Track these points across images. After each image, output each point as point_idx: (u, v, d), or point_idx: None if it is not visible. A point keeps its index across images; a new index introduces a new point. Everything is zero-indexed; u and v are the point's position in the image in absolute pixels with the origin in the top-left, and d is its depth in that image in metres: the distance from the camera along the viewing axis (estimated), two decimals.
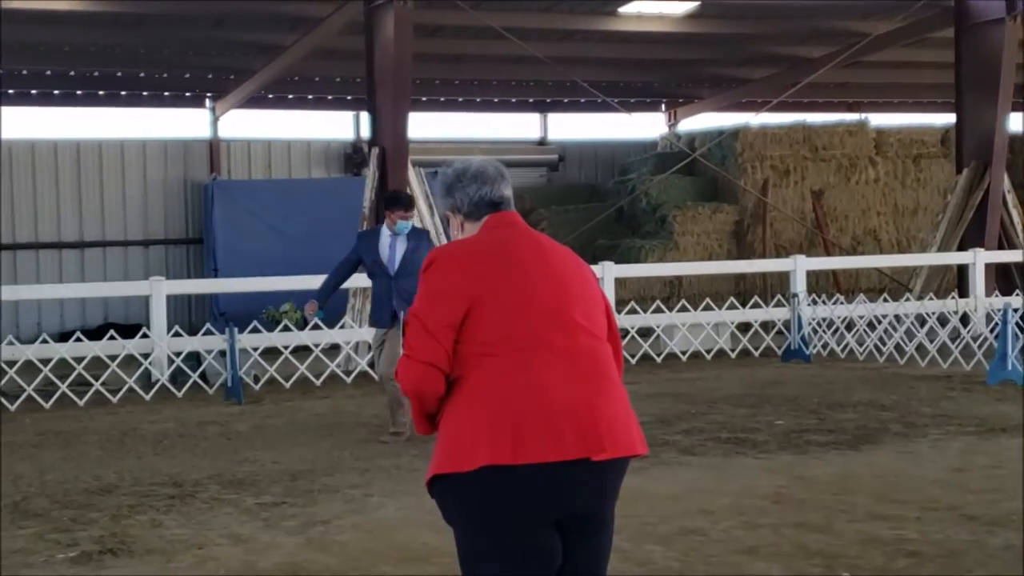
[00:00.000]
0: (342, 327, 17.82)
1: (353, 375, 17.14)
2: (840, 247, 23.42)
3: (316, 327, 18.16)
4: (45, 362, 15.43)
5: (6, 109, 22.02)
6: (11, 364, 15.23)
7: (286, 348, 16.76)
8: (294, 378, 16.51)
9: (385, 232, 11.78)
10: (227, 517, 8.44)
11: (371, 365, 14.98)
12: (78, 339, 15.98)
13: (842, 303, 19.56)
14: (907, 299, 19.13)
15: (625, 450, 3.65)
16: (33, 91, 22.64)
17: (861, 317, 18.88)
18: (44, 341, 16.38)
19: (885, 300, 19.29)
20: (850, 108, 27.98)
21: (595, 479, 3.61)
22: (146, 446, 11.62)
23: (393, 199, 12.05)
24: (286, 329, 17.38)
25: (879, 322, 18.54)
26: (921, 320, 17.83)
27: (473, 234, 3.88)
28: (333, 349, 17.05)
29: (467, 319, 3.58)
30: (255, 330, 16.70)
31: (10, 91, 21.97)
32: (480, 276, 3.62)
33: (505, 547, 3.54)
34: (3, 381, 14.94)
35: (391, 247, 11.68)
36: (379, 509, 8.58)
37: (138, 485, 9.57)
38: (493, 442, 3.46)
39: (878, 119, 26.03)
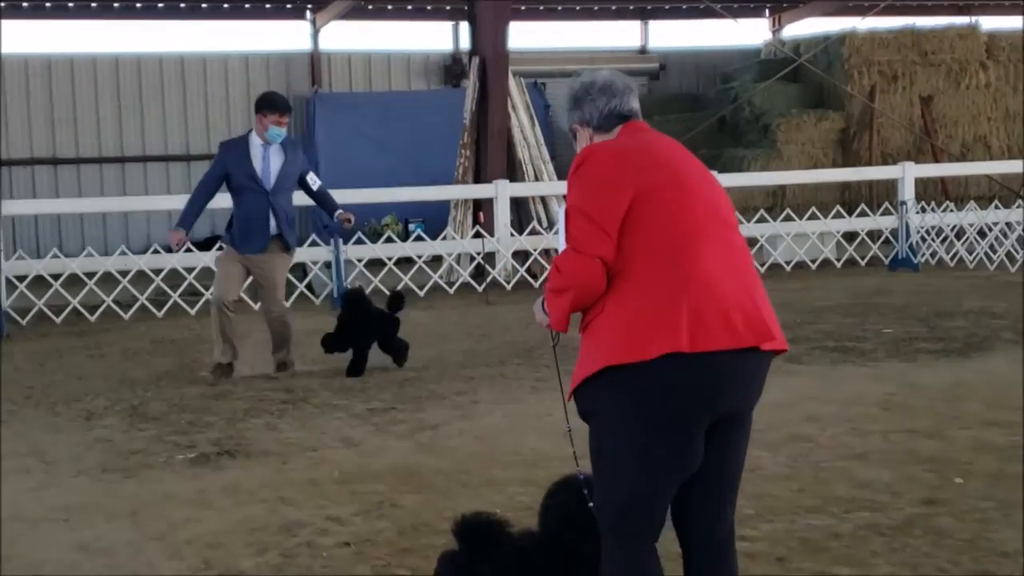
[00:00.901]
0: (444, 239, 17.92)
1: (455, 286, 17.25)
2: (949, 154, 22.87)
3: (419, 238, 18.33)
4: (157, 272, 15.76)
5: (118, 23, 22.38)
6: (123, 274, 15.57)
7: (389, 259, 16.90)
8: (398, 289, 16.66)
9: (256, 141, 10.09)
10: (338, 421, 8.60)
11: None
12: (188, 250, 16.22)
13: (951, 211, 19.17)
14: (1018, 206, 18.66)
15: (782, 343, 3.66)
16: (138, 4, 22.81)
17: (971, 225, 18.52)
18: (155, 252, 16.70)
19: (996, 207, 18.88)
20: (960, 11, 27.13)
21: (760, 369, 3.62)
22: None
23: (267, 101, 10.15)
24: (389, 241, 17.50)
25: (989, 230, 18.17)
26: None
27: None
28: (435, 261, 17.15)
29: (629, 212, 3.52)
30: (359, 242, 16.85)
31: (115, 5, 22.19)
32: (639, 170, 3.57)
33: (660, 440, 3.51)
34: (117, 291, 15.28)
35: (264, 158, 10.08)
36: (486, 416, 8.68)
37: (251, 390, 9.78)
38: (670, 330, 3.42)
39: (989, 22, 25.22)
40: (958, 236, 18.21)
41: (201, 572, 5.34)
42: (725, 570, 3.74)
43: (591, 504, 3.87)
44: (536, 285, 17.57)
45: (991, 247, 17.91)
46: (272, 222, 10.04)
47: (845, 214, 19.35)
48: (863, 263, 18.08)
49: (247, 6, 23.41)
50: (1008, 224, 18.08)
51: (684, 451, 3.53)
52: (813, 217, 18.31)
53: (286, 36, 23.93)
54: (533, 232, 18.06)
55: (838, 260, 18.24)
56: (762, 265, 17.41)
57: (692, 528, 3.71)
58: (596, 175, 3.58)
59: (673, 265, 3.48)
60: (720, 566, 3.73)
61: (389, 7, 24.17)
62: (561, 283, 3.67)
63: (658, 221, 3.50)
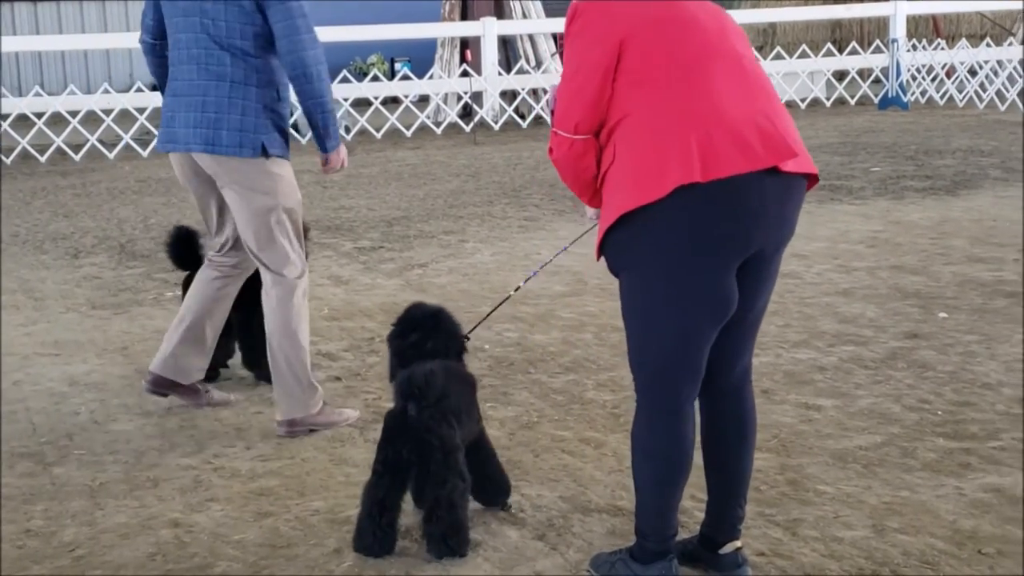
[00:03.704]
0: (431, 78, 17.73)
1: (443, 126, 17.14)
2: None
3: (406, 78, 18.13)
4: (141, 111, 15.60)
5: None
6: (107, 113, 15.41)
7: (376, 99, 16.74)
8: (384, 129, 16.55)
9: None
10: (327, 260, 8.61)
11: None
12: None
13: (943, 49, 18.98)
14: (1010, 44, 18.50)
15: (808, 165, 3.36)
16: None
17: (962, 63, 18.36)
18: (139, 90, 16.51)
19: (987, 46, 18.69)
20: None
21: (789, 195, 3.32)
22: None
23: None
24: (375, 80, 17.30)
25: (980, 68, 18.03)
26: None
27: None
28: (422, 101, 17.00)
29: (623, 55, 3.27)
30: (344, 80, 16.66)
31: None
32: (630, 12, 3.30)
33: (684, 291, 3.26)
34: (101, 130, 15.15)
35: None
36: (474, 254, 8.70)
37: None
38: (681, 162, 3.18)
39: None
40: (949, 74, 18.05)
41: (191, 404, 5.39)
42: (741, 410, 3.55)
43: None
44: (524, 125, 17.45)
45: (982, 85, 17.78)
46: None
47: (836, 52, 19.16)
48: (853, 102, 18.00)
49: None
50: (999, 62, 17.92)
51: (715, 294, 3.29)
52: (803, 55, 18.13)
53: None
54: (521, 71, 17.86)
55: (828, 99, 18.12)
56: None
57: (708, 369, 3.46)
58: (581, 32, 3.35)
59: (677, 96, 3.26)
60: (737, 406, 3.55)
61: None
62: (556, 164, 3.49)
63: (657, 55, 3.27)
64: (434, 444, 3.70)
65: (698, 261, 3.24)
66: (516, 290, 4.29)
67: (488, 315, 4.31)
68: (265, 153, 4.83)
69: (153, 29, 5.08)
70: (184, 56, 4.92)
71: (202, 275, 5.29)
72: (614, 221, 3.29)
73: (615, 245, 3.34)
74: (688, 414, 3.42)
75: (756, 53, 17.99)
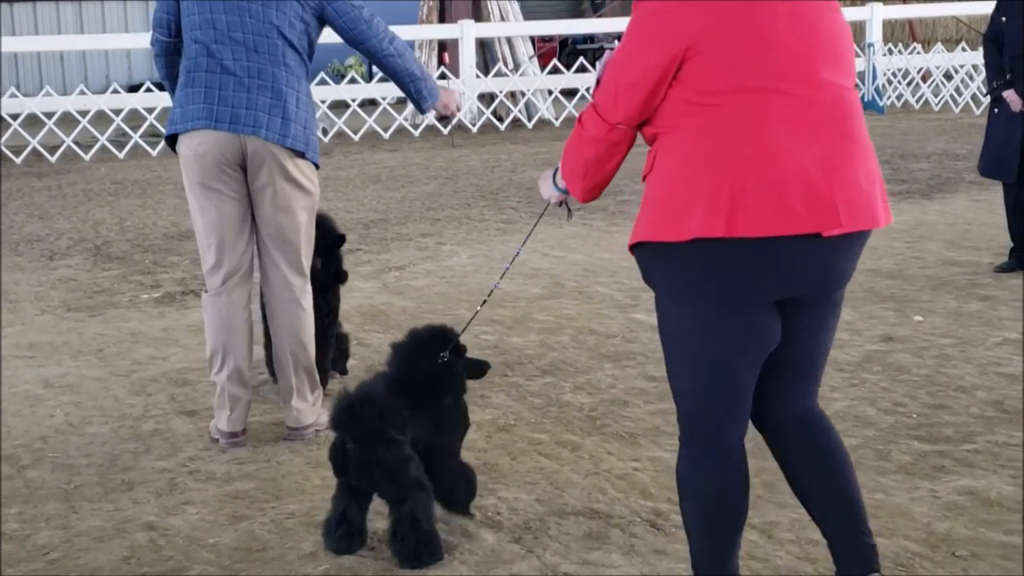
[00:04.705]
0: None
1: (420, 128, 17.12)
2: None
3: (383, 80, 18.09)
4: (117, 112, 15.54)
5: None
6: (83, 114, 15.35)
7: (353, 101, 16.72)
8: (362, 131, 16.53)
9: None
10: None
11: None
12: (148, 90, 15.97)
13: (918, 53, 19.07)
14: None
15: (865, 222, 2.96)
16: None
17: (937, 67, 18.45)
18: (115, 92, 16.44)
19: (963, 50, 18.79)
20: None
21: (826, 257, 2.96)
22: None
23: None
24: (353, 82, 17.28)
25: (956, 72, 18.13)
26: None
27: None
28: (400, 103, 16.98)
29: (685, 64, 2.92)
30: (322, 82, 16.63)
31: None
32: (704, 10, 2.92)
33: (712, 324, 2.99)
34: (76, 131, 15.08)
35: None
36: (451, 257, 8.69)
37: None
38: (708, 210, 2.86)
39: None
40: (924, 79, 18.14)
41: (167, 407, 5.38)
42: (810, 438, 3.23)
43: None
44: (502, 128, 17.46)
45: (956, 90, 17.87)
46: None
47: None
48: None
49: None
50: (974, 66, 18.00)
51: (744, 331, 3.00)
52: None
53: None
54: (499, 74, 17.87)
55: None
56: None
57: (765, 415, 3.21)
58: (655, 14, 2.96)
59: (725, 129, 2.90)
60: (802, 436, 3.24)
61: None
62: (575, 139, 3.19)
63: (718, 75, 2.90)
64: (377, 474, 3.68)
65: (721, 302, 2.98)
66: (489, 295, 4.25)
67: (468, 323, 4.30)
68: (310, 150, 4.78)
69: (171, 25, 4.83)
70: (227, 38, 4.65)
71: (231, 313, 4.85)
72: (636, 242, 3.07)
73: (641, 260, 3.12)
74: (733, 452, 3.15)
75: None
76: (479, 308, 4.24)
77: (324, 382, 5.36)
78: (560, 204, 3.44)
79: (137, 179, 13.19)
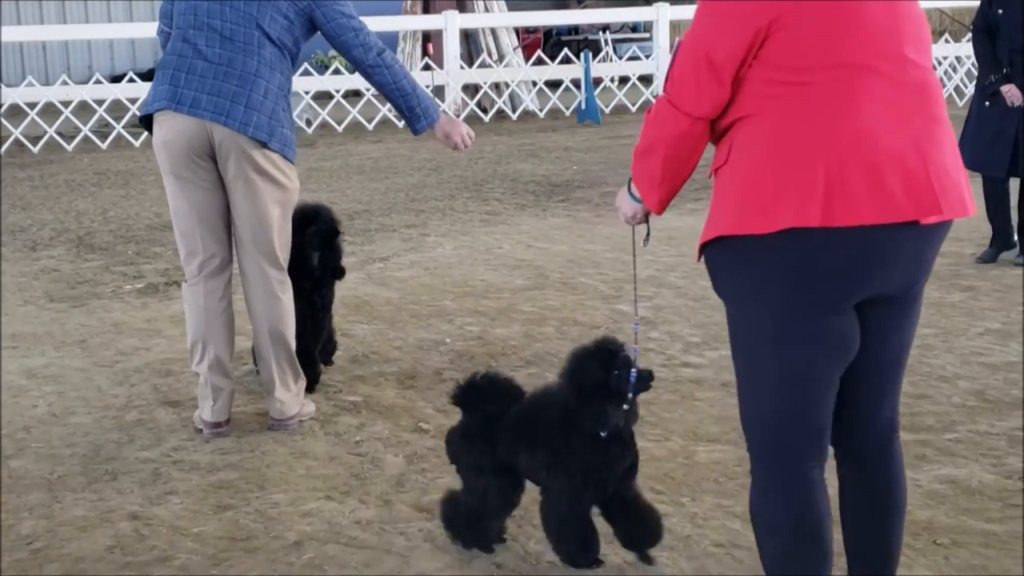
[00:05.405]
0: None
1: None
2: None
3: None
4: (99, 103, 15.49)
5: None
6: (66, 104, 15.29)
7: (337, 92, 16.69)
8: (346, 122, 16.51)
9: None
10: None
11: None
12: (131, 80, 15.94)
13: None
14: (968, 40, 18.64)
15: (958, 210, 2.73)
16: None
17: None
18: (97, 82, 16.39)
19: (946, 42, 18.84)
20: None
21: (918, 248, 2.75)
22: None
23: None
24: (336, 73, 17.24)
25: (939, 64, 18.17)
26: None
27: None
28: None
29: (766, 41, 2.68)
30: (306, 73, 16.59)
31: None
32: None
33: (795, 332, 2.75)
34: (59, 122, 15.03)
35: None
36: (435, 248, 8.69)
37: None
38: (800, 197, 2.63)
39: None
40: None
41: (150, 397, 5.38)
42: (886, 478, 3.03)
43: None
44: (486, 119, 17.45)
45: (939, 81, 17.90)
46: None
47: None
48: None
49: None
50: (957, 58, 18.07)
51: (827, 334, 2.76)
52: None
53: None
54: (483, 65, 17.85)
55: None
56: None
57: (840, 424, 2.94)
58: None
59: (817, 110, 2.67)
60: (881, 473, 3.03)
61: None
62: (648, 141, 2.87)
63: (807, 51, 2.67)
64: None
65: (805, 298, 2.74)
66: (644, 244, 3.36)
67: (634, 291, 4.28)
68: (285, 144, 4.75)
69: (172, 16, 4.82)
70: (204, 25, 4.66)
71: (208, 302, 4.81)
72: (709, 240, 2.81)
73: (713, 263, 2.87)
74: (813, 481, 2.87)
75: None
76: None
77: (316, 374, 5.39)
78: (642, 221, 3.12)
79: (120, 169, 13.16)
